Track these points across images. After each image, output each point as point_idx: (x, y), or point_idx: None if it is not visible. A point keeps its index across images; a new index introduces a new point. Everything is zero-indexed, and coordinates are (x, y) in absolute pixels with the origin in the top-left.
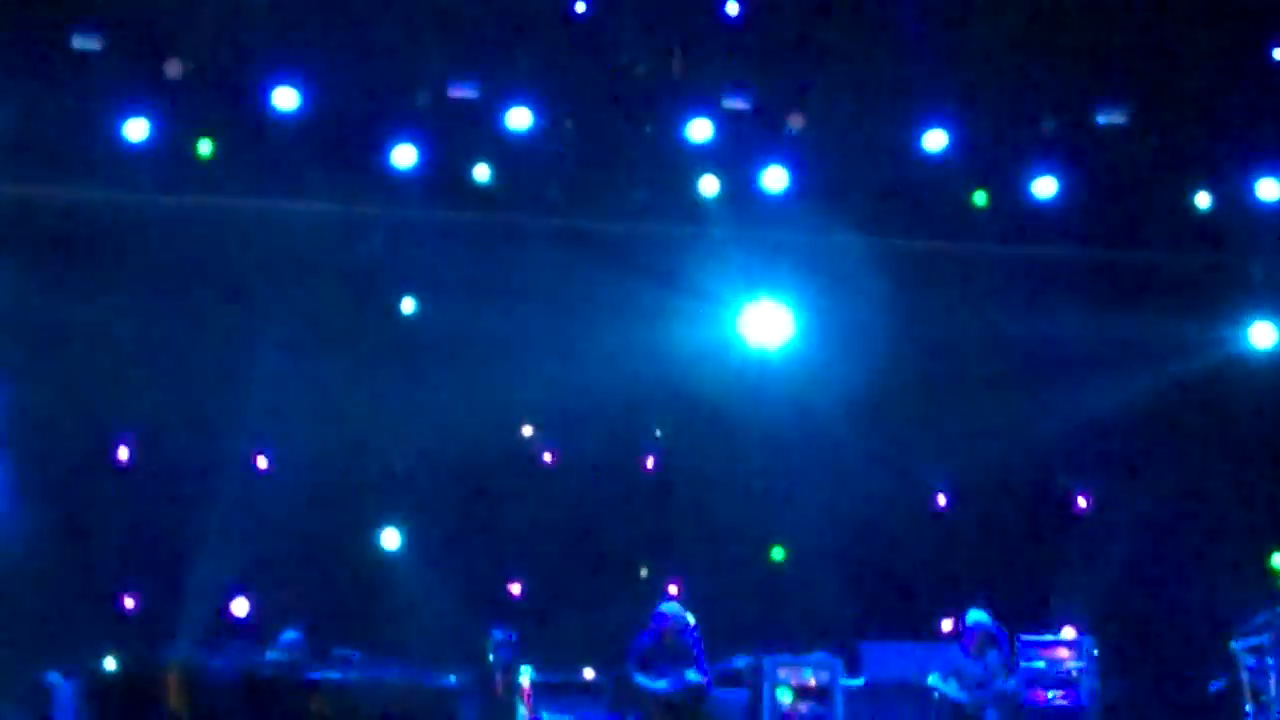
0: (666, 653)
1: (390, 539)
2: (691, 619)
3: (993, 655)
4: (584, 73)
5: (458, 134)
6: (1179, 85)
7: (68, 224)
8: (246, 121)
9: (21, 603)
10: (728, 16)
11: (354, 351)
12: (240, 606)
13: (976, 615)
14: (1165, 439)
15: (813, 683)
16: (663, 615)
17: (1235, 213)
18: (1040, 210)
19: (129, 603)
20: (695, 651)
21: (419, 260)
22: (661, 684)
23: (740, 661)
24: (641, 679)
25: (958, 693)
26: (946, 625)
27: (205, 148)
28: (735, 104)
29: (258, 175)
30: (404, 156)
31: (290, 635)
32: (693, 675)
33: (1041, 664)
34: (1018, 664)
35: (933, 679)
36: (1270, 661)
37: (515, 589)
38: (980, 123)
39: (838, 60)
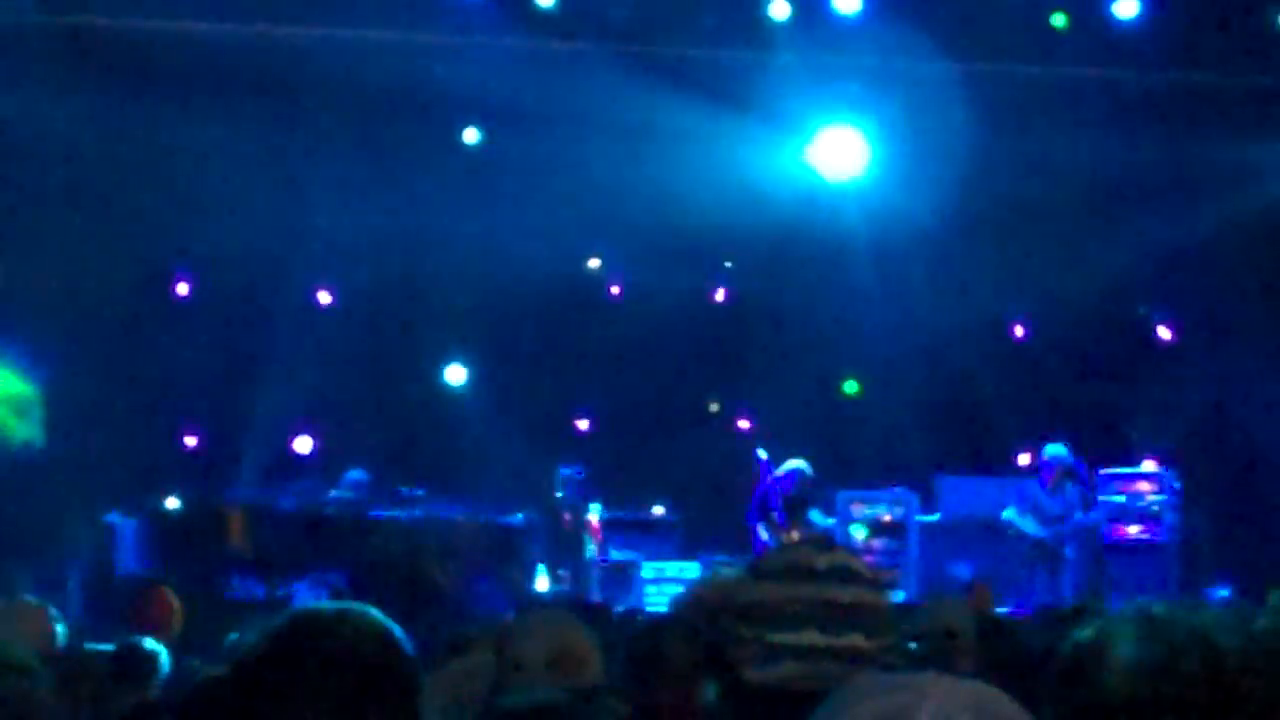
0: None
1: (455, 374)
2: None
3: (1071, 489)
4: None
5: None
6: None
7: (123, 52)
8: None
9: (82, 441)
10: None
11: (417, 182)
12: (304, 444)
13: (1054, 449)
14: (1250, 268)
15: (887, 518)
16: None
17: None
18: (1121, 32)
19: (191, 441)
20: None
21: (482, 88)
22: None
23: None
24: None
25: (1036, 528)
26: (1023, 459)
27: None
28: None
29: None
30: None
31: (355, 474)
32: (818, 518)
33: (1122, 498)
34: (1097, 498)
35: (1009, 514)
36: None
37: (583, 425)
38: None
39: None
